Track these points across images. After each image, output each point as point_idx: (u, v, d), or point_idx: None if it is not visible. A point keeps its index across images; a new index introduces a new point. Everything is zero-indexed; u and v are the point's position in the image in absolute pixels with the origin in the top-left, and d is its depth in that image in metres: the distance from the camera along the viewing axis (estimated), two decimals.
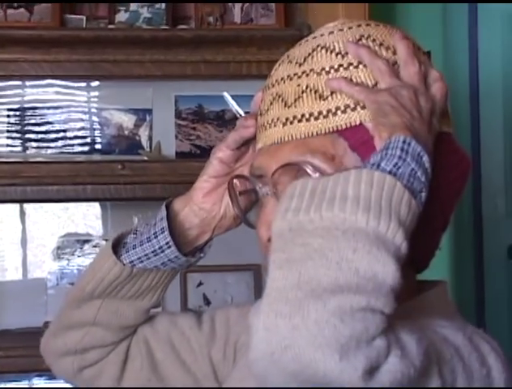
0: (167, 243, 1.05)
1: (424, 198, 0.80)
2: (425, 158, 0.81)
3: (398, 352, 0.71)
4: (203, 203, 1.08)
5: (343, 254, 0.72)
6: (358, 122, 0.90)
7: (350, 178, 0.77)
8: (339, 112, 0.91)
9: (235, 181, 1.04)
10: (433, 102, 0.89)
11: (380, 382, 0.70)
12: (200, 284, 2.53)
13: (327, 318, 0.69)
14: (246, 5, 2.50)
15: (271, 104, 0.96)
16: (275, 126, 0.95)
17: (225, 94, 2.50)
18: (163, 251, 1.05)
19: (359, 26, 0.96)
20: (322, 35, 0.96)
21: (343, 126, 0.90)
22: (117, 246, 1.10)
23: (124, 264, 1.07)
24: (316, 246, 0.73)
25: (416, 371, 0.73)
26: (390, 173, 0.78)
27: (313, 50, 0.95)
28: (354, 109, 0.90)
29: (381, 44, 0.94)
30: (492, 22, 3.86)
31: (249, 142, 1.06)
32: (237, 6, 2.50)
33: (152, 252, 1.06)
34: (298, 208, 0.76)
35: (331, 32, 0.96)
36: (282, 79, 0.96)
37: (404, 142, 0.81)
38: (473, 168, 3.92)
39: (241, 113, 2.49)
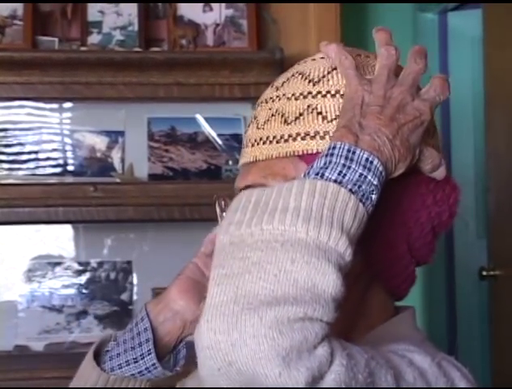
0: (153, 364, 1.04)
1: (375, 200, 0.80)
2: (376, 162, 0.80)
3: (344, 360, 0.71)
4: (179, 300, 1.07)
5: (281, 266, 0.72)
6: (315, 151, 0.90)
7: (293, 189, 0.77)
8: (299, 138, 0.91)
9: (219, 201, 1.04)
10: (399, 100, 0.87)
11: None
12: None
13: (265, 332, 0.69)
14: (219, 28, 2.51)
15: (249, 125, 0.98)
16: (246, 146, 0.96)
17: (198, 116, 2.51)
18: (150, 372, 1.05)
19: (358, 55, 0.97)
20: (305, 61, 0.97)
21: (302, 152, 0.91)
22: (99, 355, 1.09)
23: (104, 370, 1.06)
24: (255, 260, 0.73)
25: (360, 384, 0.72)
26: (335, 181, 0.78)
27: (292, 75, 0.96)
28: (313, 138, 0.90)
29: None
30: (461, 46, 3.91)
31: None
32: (210, 29, 2.51)
33: (139, 372, 1.05)
34: (241, 221, 0.76)
35: (314, 59, 0.96)
36: (261, 101, 0.97)
37: (349, 151, 0.81)
38: None
39: (214, 135, 2.50)
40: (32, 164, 2.45)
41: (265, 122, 0.94)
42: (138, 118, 2.50)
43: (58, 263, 2.50)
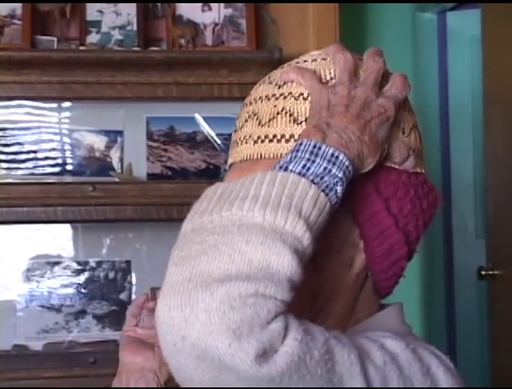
0: None
1: (340, 192, 0.82)
2: (342, 156, 0.83)
3: (299, 335, 0.73)
4: (135, 358, 1.09)
5: (236, 247, 0.75)
6: None
7: (255, 180, 0.80)
8: None
9: None
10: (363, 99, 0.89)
11: (276, 364, 0.72)
12: None
13: (216, 306, 0.72)
14: (218, 27, 2.51)
15: (246, 121, 0.97)
16: (246, 142, 0.96)
17: (197, 115, 2.50)
18: None
19: None
20: (305, 61, 0.97)
21: None
22: None
23: None
24: (211, 242, 0.76)
25: (316, 360, 0.74)
26: (299, 174, 0.81)
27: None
28: None
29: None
30: (460, 46, 3.92)
31: None
32: (209, 28, 2.51)
33: None
34: (204, 211, 0.79)
35: (314, 60, 0.97)
36: (260, 98, 0.97)
37: (315, 146, 0.83)
38: (443, 189, 3.97)
39: (213, 134, 2.49)
40: (30, 164, 2.45)
41: (270, 120, 0.94)
42: (136, 118, 2.50)
43: (57, 263, 2.50)
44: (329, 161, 0.82)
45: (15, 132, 2.45)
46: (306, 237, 0.77)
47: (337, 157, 0.83)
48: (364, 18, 3.22)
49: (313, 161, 0.82)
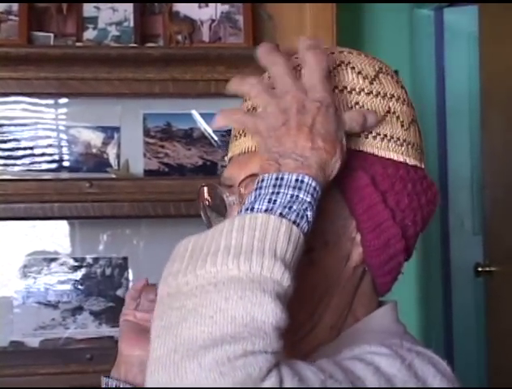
0: None
1: (311, 216, 0.79)
2: (307, 179, 0.81)
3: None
4: (134, 351, 1.06)
5: (216, 307, 0.72)
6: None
7: (224, 230, 0.77)
8: None
9: (204, 188, 1.04)
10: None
11: None
12: None
13: (206, 375, 0.69)
14: (215, 24, 2.51)
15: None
16: (245, 136, 0.96)
17: (193, 112, 2.50)
18: None
19: (341, 52, 0.97)
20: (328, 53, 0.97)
21: None
22: None
23: None
24: (190, 306, 0.73)
25: None
26: (266, 210, 0.78)
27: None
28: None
29: (359, 73, 0.94)
30: (457, 42, 3.92)
31: None
32: (206, 24, 2.51)
33: None
34: (178, 271, 0.76)
35: (332, 53, 0.96)
36: None
37: (277, 178, 0.81)
38: (440, 186, 3.97)
39: (209, 131, 2.49)
40: (27, 160, 2.45)
41: None
42: (133, 114, 2.49)
43: (54, 259, 2.50)
44: (294, 188, 0.80)
45: (12, 128, 2.45)
46: (286, 278, 0.74)
47: (302, 181, 0.80)
48: (360, 14, 3.21)
49: (278, 193, 0.80)
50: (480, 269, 3.20)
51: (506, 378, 3.03)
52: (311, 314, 0.94)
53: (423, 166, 0.97)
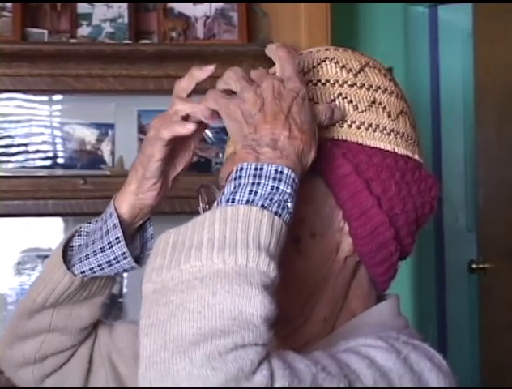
0: (123, 254, 1.04)
1: (291, 207, 0.80)
2: (286, 170, 0.81)
3: (286, 381, 0.70)
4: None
5: (203, 302, 0.71)
6: (340, 138, 0.93)
7: (205, 223, 0.76)
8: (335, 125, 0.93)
9: (202, 190, 1.05)
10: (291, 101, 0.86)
11: None
12: None
13: (198, 372, 0.68)
14: (209, 20, 2.51)
15: None
16: None
17: None
18: (118, 262, 1.05)
19: (327, 50, 0.99)
20: (300, 54, 0.98)
21: (333, 137, 0.93)
22: (65, 252, 1.10)
23: (75, 275, 1.06)
24: (178, 302, 0.72)
25: None
26: (247, 202, 0.78)
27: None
28: (341, 126, 0.93)
29: (343, 67, 0.96)
30: (452, 39, 3.92)
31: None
32: (200, 21, 2.51)
33: (107, 262, 1.05)
34: (161, 266, 0.75)
35: (301, 54, 0.98)
36: None
37: (256, 168, 0.81)
38: None
39: None
40: (21, 157, 2.44)
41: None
42: (128, 111, 2.49)
43: (48, 256, 2.49)
44: (274, 179, 0.80)
45: (6, 125, 2.44)
46: (272, 268, 0.74)
47: (281, 172, 0.80)
48: (355, 11, 3.21)
49: (259, 184, 0.79)
50: (473, 266, 3.20)
51: (499, 374, 3.04)
52: (303, 306, 0.94)
53: (416, 157, 0.97)
